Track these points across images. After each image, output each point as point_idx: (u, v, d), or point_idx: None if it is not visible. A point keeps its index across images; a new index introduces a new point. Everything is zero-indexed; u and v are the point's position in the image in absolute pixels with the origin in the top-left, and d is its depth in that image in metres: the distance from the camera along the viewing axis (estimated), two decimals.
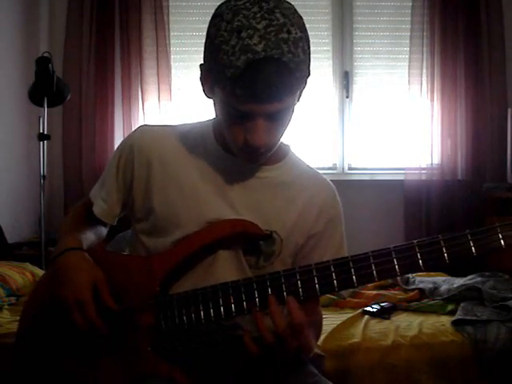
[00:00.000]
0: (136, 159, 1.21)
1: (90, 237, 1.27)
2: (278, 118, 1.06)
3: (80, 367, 1.18)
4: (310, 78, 1.09)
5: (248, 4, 1.00)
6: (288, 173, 1.23)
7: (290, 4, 1.06)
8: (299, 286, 1.05)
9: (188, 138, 1.23)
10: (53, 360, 1.21)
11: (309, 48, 1.04)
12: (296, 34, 1.00)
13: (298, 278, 1.06)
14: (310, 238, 1.22)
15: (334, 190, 1.26)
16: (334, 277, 1.04)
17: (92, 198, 1.29)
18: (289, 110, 1.07)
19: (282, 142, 1.20)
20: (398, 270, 1.01)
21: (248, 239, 1.17)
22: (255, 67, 0.98)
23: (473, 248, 0.98)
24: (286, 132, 1.13)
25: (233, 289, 1.09)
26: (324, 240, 1.23)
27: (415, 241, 1.01)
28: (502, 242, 0.96)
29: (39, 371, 1.23)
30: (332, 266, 1.04)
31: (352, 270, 1.03)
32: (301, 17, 1.05)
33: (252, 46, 0.97)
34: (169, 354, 1.16)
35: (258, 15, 0.99)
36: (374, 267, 1.02)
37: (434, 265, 1.00)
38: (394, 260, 1.01)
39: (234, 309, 1.09)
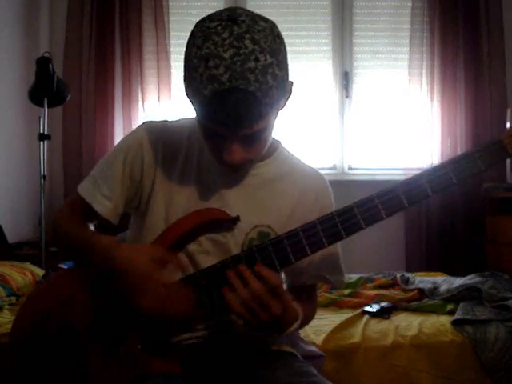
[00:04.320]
0: (146, 158, 1.21)
1: None
2: (253, 139, 1.07)
3: (77, 369, 1.17)
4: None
5: (220, 28, 0.99)
6: (279, 167, 1.24)
7: (267, 22, 1.03)
8: (289, 250, 1.07)
9: (189, 138, 1.24)
10: (49, 362, 1.20)
11: (281, 70, 1.02)
12: (265, 60, 0.99)
13: (285, 242, 1.07)
14: None
15: (326, 180, 1.29)
16: (322, 234, 1.06)
17: (87, 198, 1.27)
18: (265, 130, 1.07)
19: (272, 138, 1.20)
20: (362, 223, 1.05)
21: (216, 225, 1.18)
22: (221, 97, 0.99)
23: (454, 178, 1.03)
24: (268, 142, 1.14)
25: (221, 267, 1.09)
26: None
27: (374, 193, 1.07)
28: (482, 165, 1.02)
29: (35, 373, 1.21)
30: (318, 224, 1.06)
31: (339, 223, 1.06)
32: (277, 37, 1.03)
33: (218, 77, 0.97)
34: (162, 351, 1.16)
35: (227, 42, 0.98)
36: (359, 217, 1.05)
37: (417, 201, 1.06)
38: (357, 215, 1.05)
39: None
